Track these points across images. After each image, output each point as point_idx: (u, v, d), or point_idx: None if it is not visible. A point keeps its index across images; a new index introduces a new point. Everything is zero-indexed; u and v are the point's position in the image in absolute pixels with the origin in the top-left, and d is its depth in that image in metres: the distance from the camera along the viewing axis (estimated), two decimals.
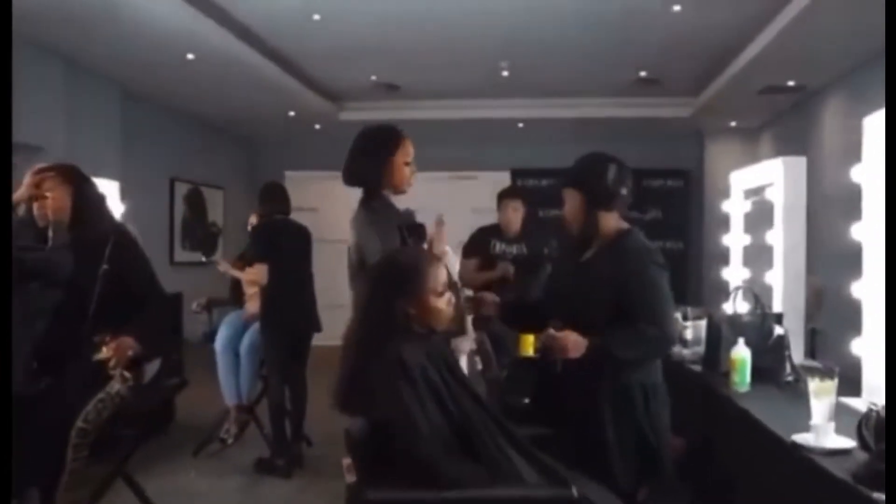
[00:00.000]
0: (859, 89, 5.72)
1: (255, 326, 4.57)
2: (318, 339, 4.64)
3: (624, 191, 2.63)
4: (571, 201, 2.67)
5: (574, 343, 2.44)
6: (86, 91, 6.73)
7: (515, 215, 4.67)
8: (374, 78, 7.85)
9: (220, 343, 4.68)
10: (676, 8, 5.53)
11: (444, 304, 2.25)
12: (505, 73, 7.47)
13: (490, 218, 4.94)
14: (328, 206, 8.91)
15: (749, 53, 6.11)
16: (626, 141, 7.91)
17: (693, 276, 9.28)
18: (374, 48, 6.74)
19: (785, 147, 7.28)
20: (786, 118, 7.83)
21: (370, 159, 2.75)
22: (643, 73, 7.46)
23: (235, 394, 4.65)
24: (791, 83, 6.70)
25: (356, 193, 2.83)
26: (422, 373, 2.12)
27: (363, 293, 2.34)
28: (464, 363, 3.27)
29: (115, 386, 2.89)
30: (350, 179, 2.81)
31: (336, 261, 4.47)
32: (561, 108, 8.52)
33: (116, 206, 5.11)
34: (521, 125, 9.14)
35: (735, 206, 4.32)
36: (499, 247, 4.71)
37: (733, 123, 8.92)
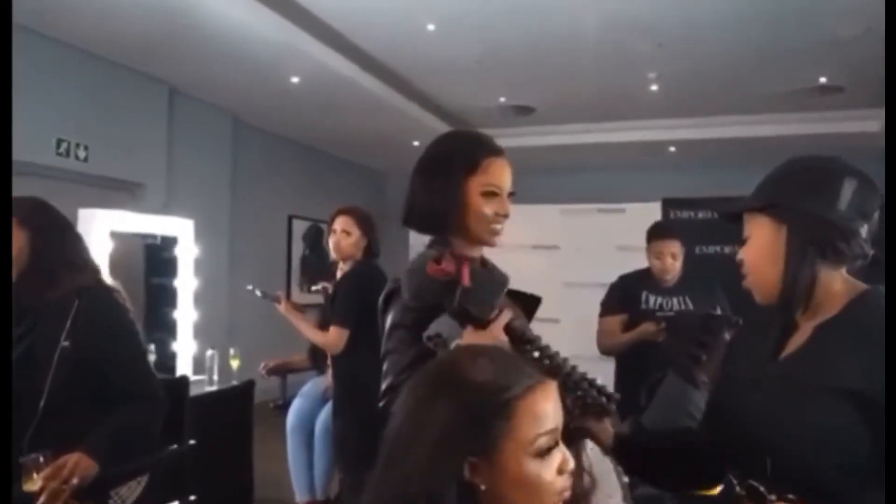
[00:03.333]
0: None
1: None
2: None
3: (864, 228, 1.26)
4: (762, 238, 1.29)
5: None
6: (193, 120, 6.01)
7: (674, 263, 3.27)
8: (502, 100, 6.73)
9: (291, 419, 3.53)
10: None
11: (550, 473, 0.98)
12: (654, 88, 6.20)
13: (640, 257, 3.54)
14: None
15: None
16: None
17: None
18: (499, 62, 5.65)
19: None
20: None
21: (430, 187, 1.52)
22: (823, 80, 5.99)
23: (307, 487, 3.50)
24: None
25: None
26: None
27: (390, 435, 1.10)
28: None
29: None
30: (405, 217, 1.59)
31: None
32: (719, 126, 7.21)
33: (189, 248, 4.19)
34: (672, 149, 7.93)
35: None
36: (653, 300, 3.32)
37: None
